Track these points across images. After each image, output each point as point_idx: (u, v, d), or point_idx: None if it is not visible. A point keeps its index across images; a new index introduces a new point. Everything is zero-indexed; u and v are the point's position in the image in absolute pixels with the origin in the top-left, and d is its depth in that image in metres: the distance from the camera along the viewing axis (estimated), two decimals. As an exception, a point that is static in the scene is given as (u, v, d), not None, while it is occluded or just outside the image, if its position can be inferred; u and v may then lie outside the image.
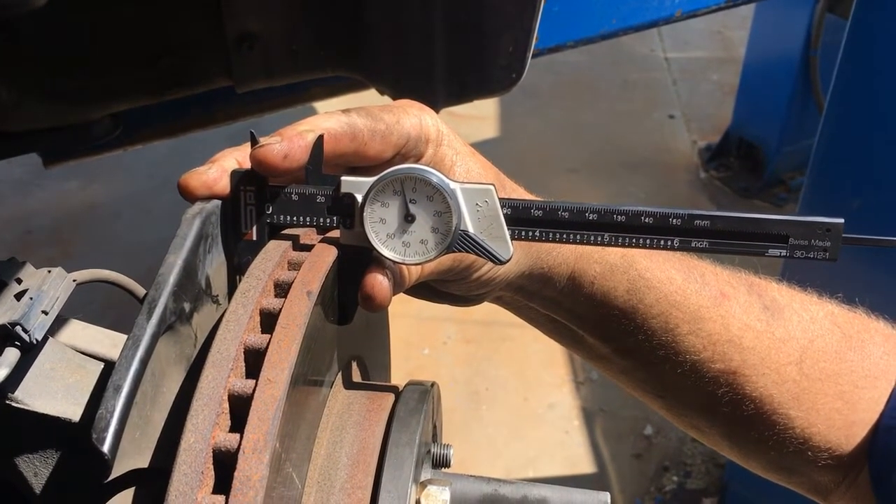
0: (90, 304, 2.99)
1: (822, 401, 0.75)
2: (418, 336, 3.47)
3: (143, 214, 4.12)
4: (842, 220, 0.56)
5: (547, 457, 3.04)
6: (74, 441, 0.56)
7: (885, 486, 0.74)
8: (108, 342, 0.66)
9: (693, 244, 0.58)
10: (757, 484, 0.86)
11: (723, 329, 0.73)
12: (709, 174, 4.53)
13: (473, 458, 2.99)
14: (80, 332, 0.65)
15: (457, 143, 0.67)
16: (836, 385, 0.75)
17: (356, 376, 0.70)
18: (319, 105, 1.92)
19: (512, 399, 3.27)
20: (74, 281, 0.60)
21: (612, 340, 0.76)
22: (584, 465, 3.01)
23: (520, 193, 0.72)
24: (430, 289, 0.73)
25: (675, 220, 0.57)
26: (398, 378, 0.71)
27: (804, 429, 0.75)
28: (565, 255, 0.72)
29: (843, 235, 0.57)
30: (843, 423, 0.75)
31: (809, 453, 0.76)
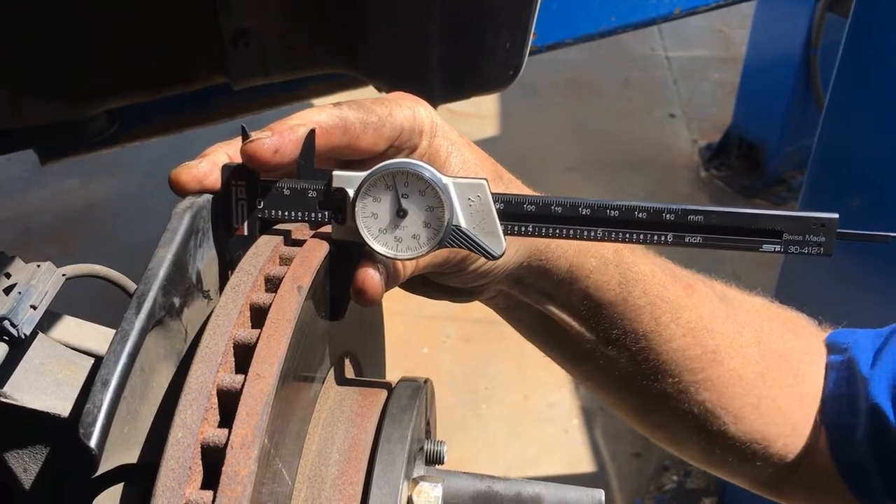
0: (87, 300, 2.99)
1: (779, 378, 0.83)
2: (417, 335, 3.46)
3: (143, 212, 4.12)
4: (836, 215, 0.56)
5: (547, 455, 3.03)
6: (63, 436, 0.55)
7: (845, 450, 0.81)
8: (101, 338, 0.66)
9: (687, 239, 0.57)
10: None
11: (697, 317, 0.79)
12: (709, 173, 4.52)
13: (473, 456, 2.99)
14: (72, 328, 0.65)
15: (452, 134, 0.67)
16: (787, 363, 0.84)
17: (349, 373, 0.70)
18: (317, 102, 1.92)
19: (512, 398, 3.26)
20: (64, 276, 0.60)
21: (599, 330, 0.78)
22: (584, 464, 3.01)
23: (517, 185, 0.71)
24: (428, 282, 0.72)
25: (668, 216, 0.57)
26: (397, 376, 0.71)
27: (769, 407, 0.82)
28: (564, 249, 0.72)
29: (838, 231, 0.56)
30: (796, 396, 0.84)
31: (773, 429, 0.82)
